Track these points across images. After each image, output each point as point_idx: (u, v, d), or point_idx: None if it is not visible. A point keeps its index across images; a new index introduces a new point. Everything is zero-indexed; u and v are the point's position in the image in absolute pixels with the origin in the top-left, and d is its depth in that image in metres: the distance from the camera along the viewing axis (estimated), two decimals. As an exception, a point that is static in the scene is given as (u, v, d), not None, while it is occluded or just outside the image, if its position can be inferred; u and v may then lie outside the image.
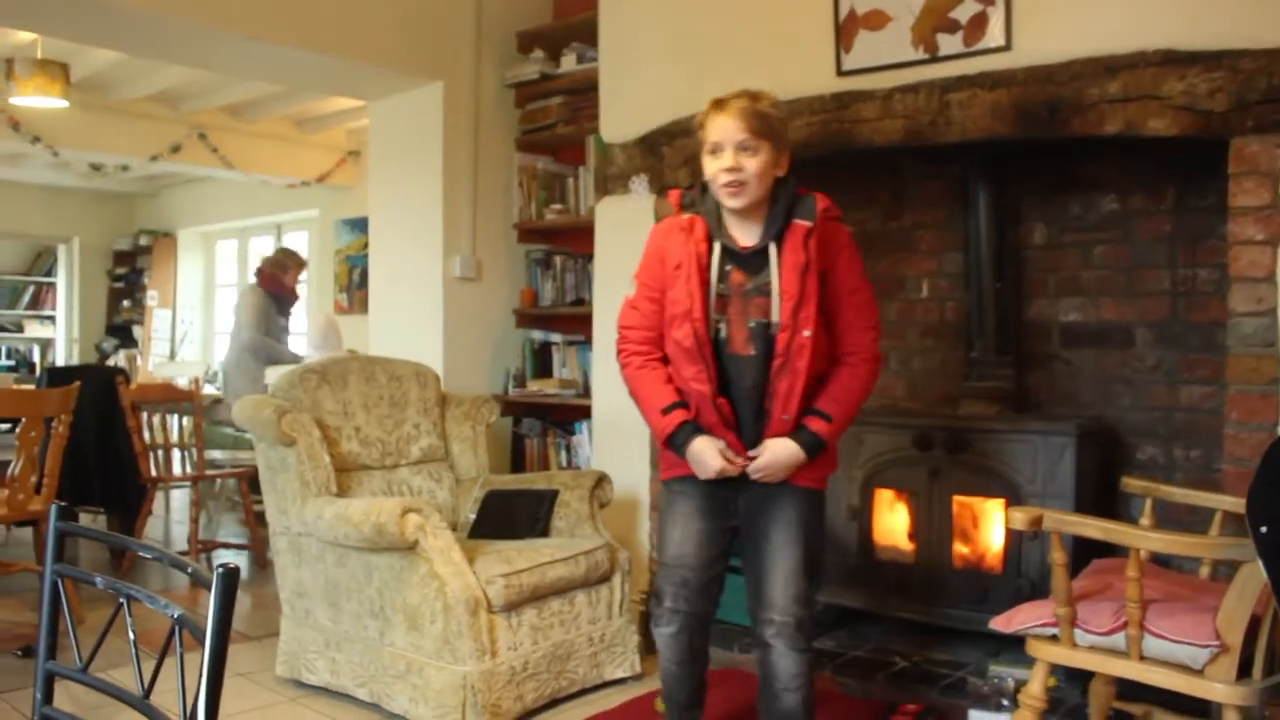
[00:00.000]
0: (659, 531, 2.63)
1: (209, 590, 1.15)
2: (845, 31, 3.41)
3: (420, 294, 4.86)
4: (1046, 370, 3.61)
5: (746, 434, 2.39)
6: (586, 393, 4.59)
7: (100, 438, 5.07)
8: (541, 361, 5.00)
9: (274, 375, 4.59)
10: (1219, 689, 2.09)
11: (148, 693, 1.29)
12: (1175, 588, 2.45)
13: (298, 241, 8.95)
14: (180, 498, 7.00)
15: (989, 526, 3.43)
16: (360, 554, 3.15)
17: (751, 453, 2.39)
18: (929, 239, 3.87)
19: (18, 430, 3.75)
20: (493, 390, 4.93)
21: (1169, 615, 2.19)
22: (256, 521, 5.11)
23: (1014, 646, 2.70)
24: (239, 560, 5.32)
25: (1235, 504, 2.53)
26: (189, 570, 1.28)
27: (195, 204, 9.84)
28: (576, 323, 4.83)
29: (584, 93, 4.67)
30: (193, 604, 4.35)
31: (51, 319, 10.51)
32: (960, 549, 3.46)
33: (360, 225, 7.40)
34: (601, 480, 3.64)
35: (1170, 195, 3.35)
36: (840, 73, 3.42)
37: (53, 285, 10.52)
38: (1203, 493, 2.76)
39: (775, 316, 2.29)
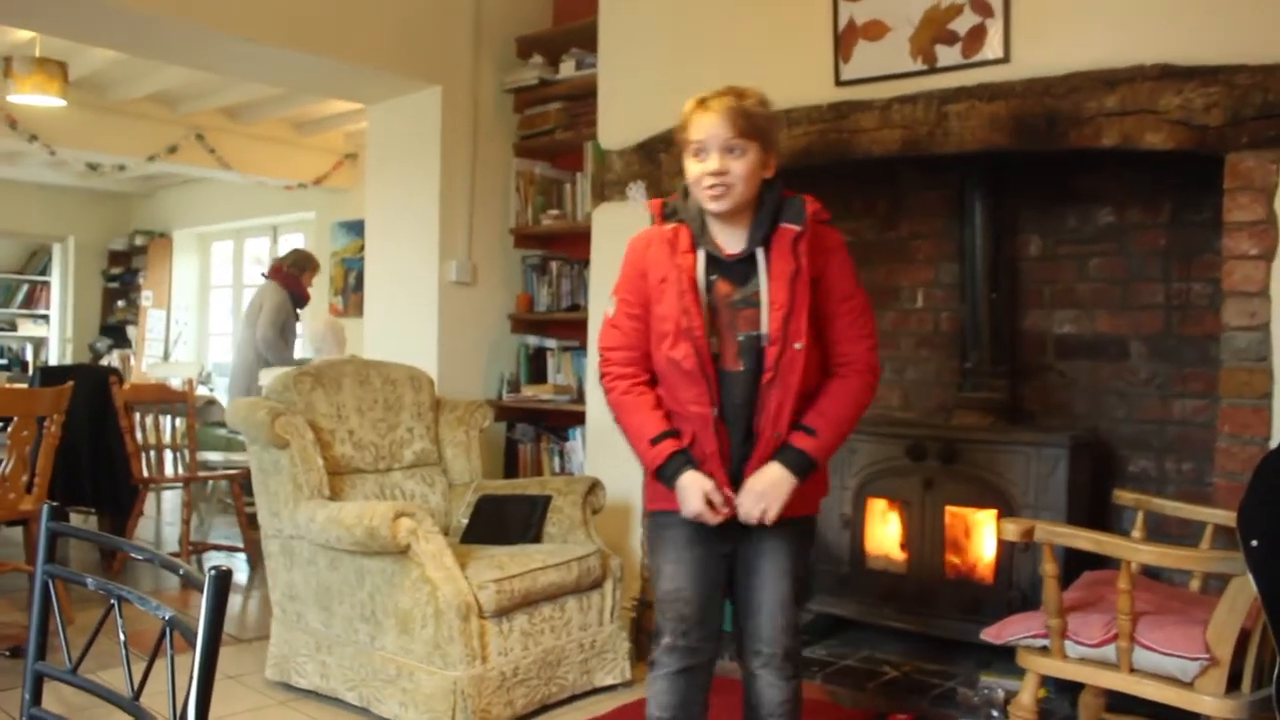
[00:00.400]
0: (651, 569, 2.42)
1: (200, 592, 1.15)
2: (844, 41, 3.42)
3: (416, 298, 4.86)
4: (1041, 382, 3.61)
5: (735, 455, 2.19)
6: (580, 399, 4.59)
7: (93, 438, 5.05)
8: (536, 367, 4.99)
9: (268, 377, 4.58)
10: (1208, 702, 2.09)
11: (137, 694, 1.29)
12: (1166, 600, 2.46)
13: (294, 244, 8.94)
14: (172, 499, 6.98)
15: (981, 537, 3.43)
16: (352, 558, 3.15)
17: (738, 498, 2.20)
18: (925, 249, 3.88)
19: (9, 429, 3.75)
20: (487, 395, 4.92)
21: (1159, 628, 2.19)
22: (248, 524, 5.10)
23: (1005, 657, 2.71)
24: (230, 563, 5.31)
25: (1226, 517, 2.54)
26: (180, 572, 1.27)
27: (191, 205, 9.84)
28: (571, 328, 4.83)
29: (582, 99, 4.68)
30: (183, 606, 4.34)
31: (45, 318, 10.49)
32: (952, 559, 3.46)
33: (357, 228, 7.41)
34: (594, 486, 3.63)
35: (1166, 209, 3.36)
36: (839, 83, 3.43)
37: (47, 284, 10.50)
38: (1194, 506, 2.77)
39: (765, 328, 2.12)
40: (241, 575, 5.08)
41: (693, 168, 2.16)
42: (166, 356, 9.79)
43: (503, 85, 4.98)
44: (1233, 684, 2.09)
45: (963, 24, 3.17)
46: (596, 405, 4.13)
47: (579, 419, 4.55)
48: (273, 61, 4.43)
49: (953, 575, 3.45)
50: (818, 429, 2.16)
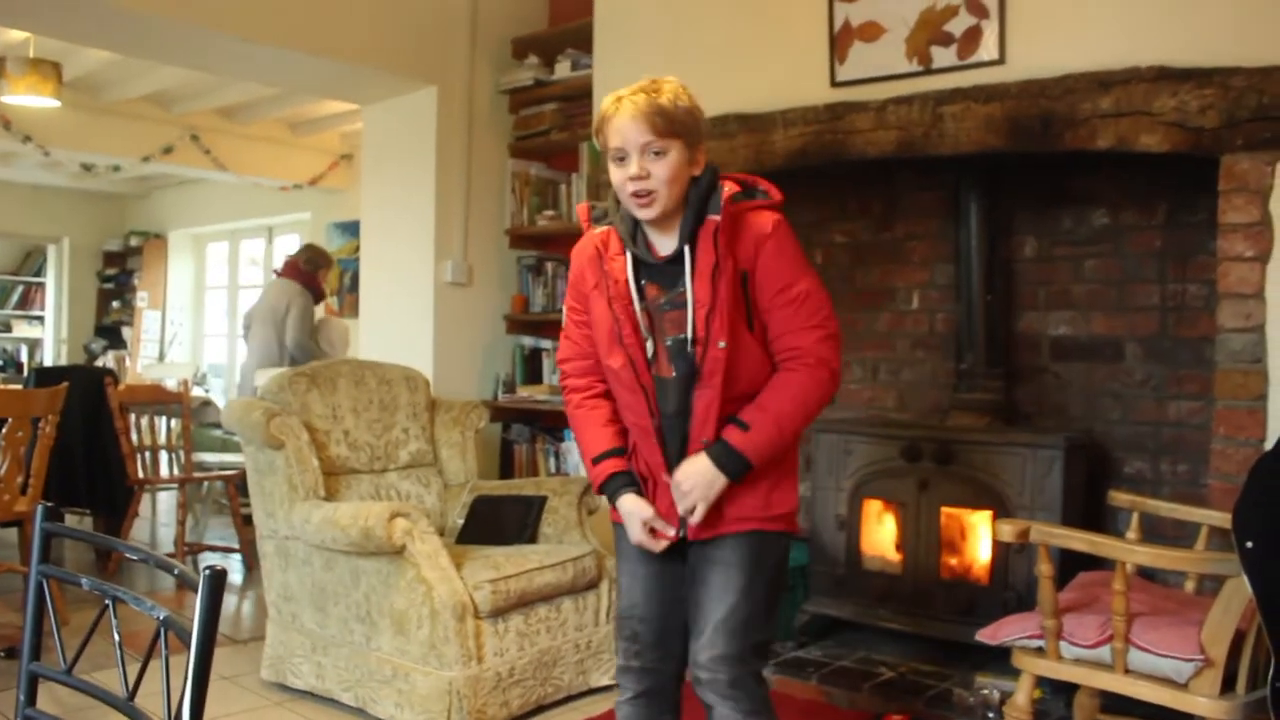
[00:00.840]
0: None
1: (195, 592, 1.14)
2: (840, 42, 3.42)
3: (411, 298, 4.85)
4: (1036, 383, 3.62)
5: (673, 466, 2.03)
6: (576, 399, 4.58)
7: (88, 439, 5.05)
8: (531, 368, 4.99)
9: (263, 378, 4.57)
10: (1203, 703, 2.09)
11: (132, 695, 1.29)
12: (1161, 602, 2.46)
13: (289, 245, 8.93)
14: (167, 500, 6.97)
15: (976, 538, 3.44)
16: (347, 558, 3.14)
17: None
18: (920, 250, 3.88)
19: (4, 430, 3.74)
20: (482, 396, 4.92)
21: (1154, 629, 2.19)
22: (244, 525, 5.09)
23: (1000, 658, 2.71)
24: (225, 564, 5.30)
25: (1221, 519, 2.55)
26: (175, 572, 1.27)
27: (186, 206, 9.82)
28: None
29: (578, 99, 4.68)
30: (178, 606, 4.33)
31: (40, 319, 10.47)
32: (948, 560, 3.47)
33: (352, 229, 7.39)
34: (589, 487, 3.63)
35: (1161, 211, 3.37)
36: (834, 83, 3.44)
37: (42, 285, 10.48)
38: (1189, 507, 2.78)
39: (690, 330, 1.96)
40: (237, 576, 5.08)
41: (615, 174, 2.02)
42: (162, 358, 9.77)
43: (498, 86, 4.98)
44: (1227, 685, 2.10)
45: (958, 25, 3.18)
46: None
47: (575, 420, 4.54)
48: (268, 61, 4.43)
49: (948, 576, 3.45)
50: (751, 423, 1.97)
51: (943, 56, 3.21)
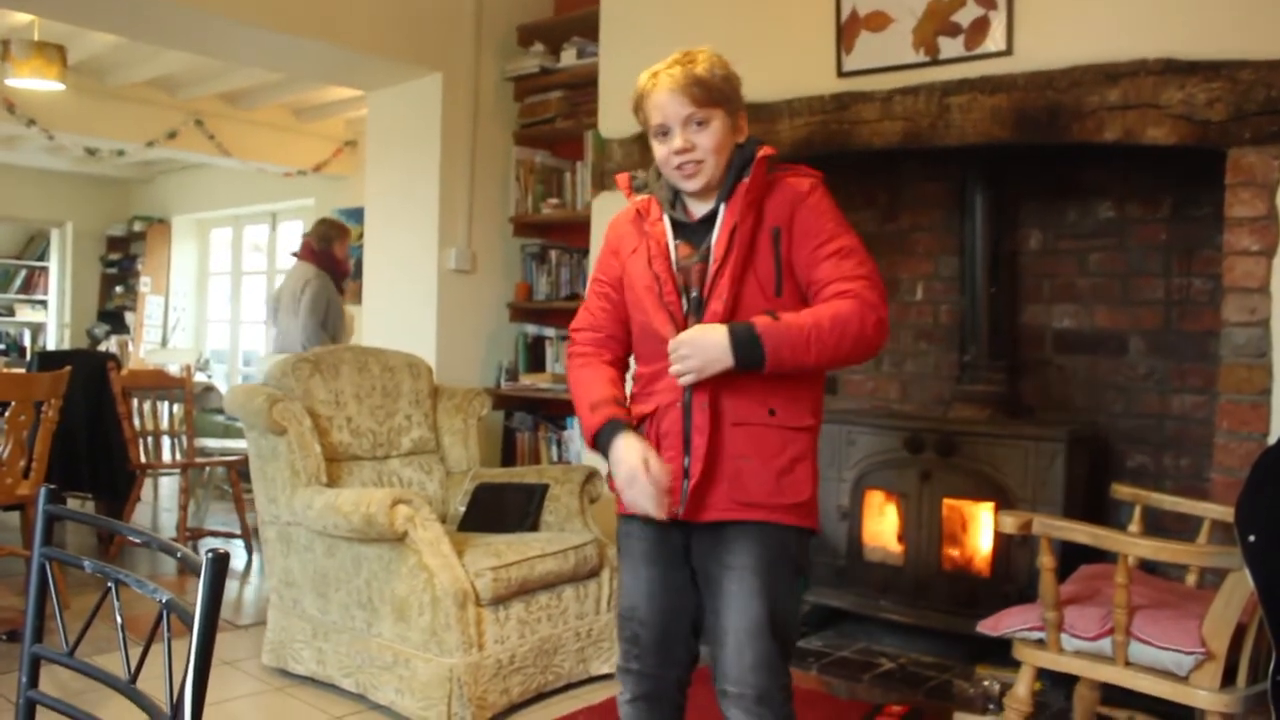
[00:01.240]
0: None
1: (197, 576, 1.14)
2: (846, 32, 3.41)
3: (415, 285, 4.85)
4: (1039, 376, 3.61)
5: (689, 442, 1.93)
6: (579, 388, 4.58)
7: (90, 423, 5.05)
8: (534, 356, 4.99)
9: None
10: (1203, 696, 2.09)
11: (134, 678, 1.29)
12: (1162, 594, 2.46)
13: (293, 231, 8.92)
14: (169, 485, 6.99)
15: (978, 530, 3.44)
16: (349, 544, 3.15)
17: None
18: (925, 242, 3.87)
19: (7, 414, 3.74)
20: (485, 383, 4.92)
21: (1155, 621, 2.19)
22: (245, 510, 5.10)
23: (1001, 650, 2.71)
24: (227, 549, 5.30)
25: (1224, 512, 2.54)
26: (178, 555, 1.27)
27: (190, 191, 9.81)
28: (570, 317, 4.76)
29: (583, 87, 4.66)
30: (181, 590, 4.34)
31: (43, 303, 10.47)
32: (949, 552, 3.47)
33: (356, 215, 7.37)
34: (592, 476, 3.63)
35: (1167, 204, 3.36)
36: (841, 73, 3.43)
37: (45, 269, 10.48)
38: (1192, 501, 2.77)
39: (707, 287, 1.93)
40: (239, 561, 5.09)
41: (658, 149, 1.98)
42: (164, 343, 9.78)
43: (504, 73, 4.97)
44: (1228, 678, 2.10)
45: (966, 16, 3.17)
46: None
47: (577, 408, 4.54)
48: (273, 47, 4.42)
49: (950, 568, 3.45)
50: (782, 318, 1.85)
51: (950, 47, 3.20)
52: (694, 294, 1.95)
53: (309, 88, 6.86)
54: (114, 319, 10.24)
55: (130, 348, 9.77)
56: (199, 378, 7.26)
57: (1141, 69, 2.85)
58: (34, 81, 5.58)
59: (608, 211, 4.08)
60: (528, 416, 4.98)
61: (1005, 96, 3.07)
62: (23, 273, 10.49)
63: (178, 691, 1.14)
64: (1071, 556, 2.81)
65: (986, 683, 3.13)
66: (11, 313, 10.41)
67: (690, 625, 2.04)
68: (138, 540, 1.33)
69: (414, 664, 3.02)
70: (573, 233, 4.87)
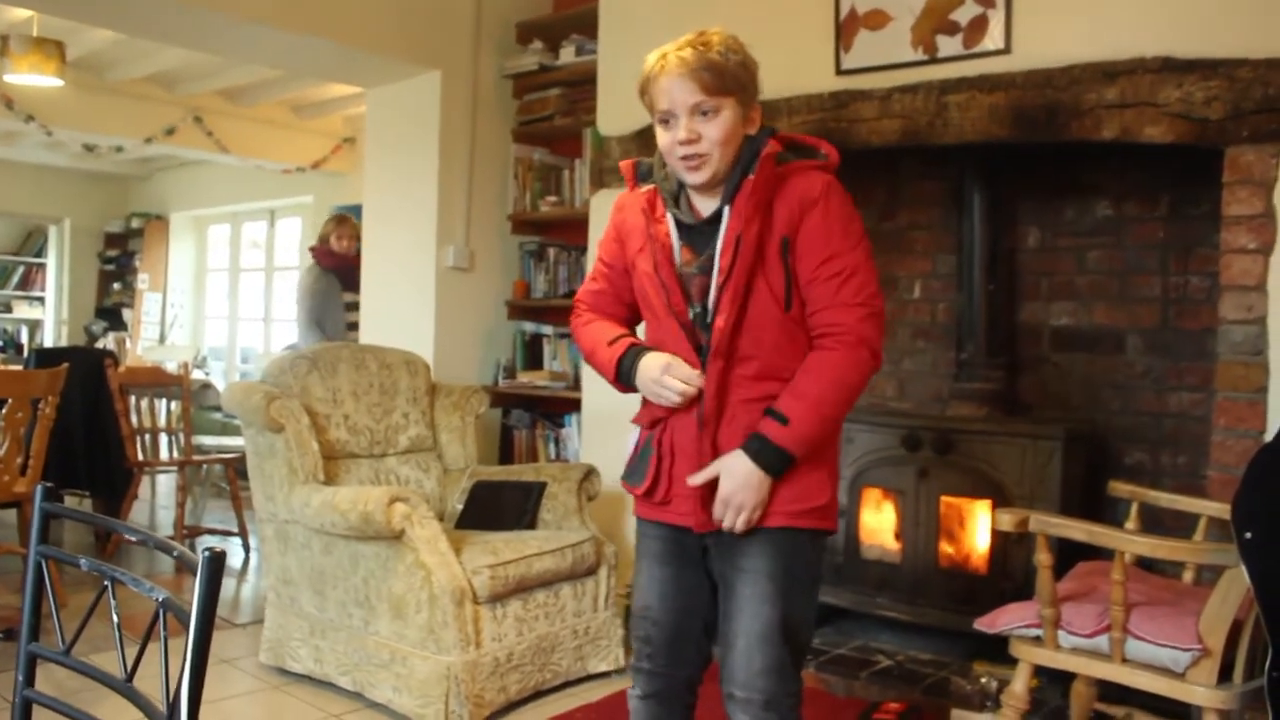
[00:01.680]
0: None
1: (194, 575, 1.14)
2: (845, 30, 3.41)
3: (413, 283, 4.85)
4: (1037, 373, 3.62)
5: (701, 442, 1.89)
6: (576, 385, 4.59)
7: (87, 421, 5.05)
8: (532, 353, 4.99)
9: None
10: (1200, 692, 2.10)
11: (130, 677, 1.29)
12: (1159, 592, 2.46)
13: (291, 228, 8.92)
14: (166, 483, 6.98)
15: (975, 527, 3.44)
16: (347, 542, 3.15)
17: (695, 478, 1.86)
18: (923, 240, 3.88)
19: (4, 411, 3.74)
20: (483, 381, 4.92)
21: (1152, 618, 2.20)
22: (243, 508, 5.10)
23: (998, 647, 2.71)
24: (224, 547, 5.31)
25: (1220, 509, 2.54)
26: (175, 553, 1.27)
27: (188, 187, 9.80)
28: (568, 315, 4.79)
29: (582, 85, 4.66)
30: (177, 589, 4.34)
31: (40, 300, 10.46)
32: (946, 549, 3.47)
33: (354, 212, 7.34)
34: (590, 473, 3.63)
35: (1164, 202, 3.36)
36: (839, 71, 3.42)
37: (42, 266, 10.47)
38: (1188, 498, 2.77)
39: (711, 300, 1.84)
40: (236, 559, 5.09)
41: (662, 137, 1.86)
42: (162, 340, 9.77)
43: (502, 70, 4.96)
44: (1224, 675, 2.10)
45: (964, 14, 3.17)
46: (592, 392, 4.13)
47: (575, 405, 4.55)
48: (272, 44, 4.41)
49: (947, 565, 3.46)
50: (790, 414, 1.79)
51: (948, 45, 3.20)
52: (697, 309, 1.86)
53: (308, 84, 6.85)
54: (112, 316, 10.23)
55: (128, 345, 9.77)
56: (196, 375, 7.27)
57: (1139, 67, 2.85)
58: (32, 77, 5.57)
59: (606, 210, 4.05)
60: (525, 414, 4.97)
61: (1003, 95, 3.07)
62: (20, 269, 10.48)
63: (174, 690, 1.14)
64: (1068, 554, 2.81)
65: (984, 680, 3.13)
66: (9, 309, 10.40)
67: (703, 626, 2.01)
68: (134, 538, 1.33)
69: (411, 662, 3.02)
70: (571, 230, 4.86)
